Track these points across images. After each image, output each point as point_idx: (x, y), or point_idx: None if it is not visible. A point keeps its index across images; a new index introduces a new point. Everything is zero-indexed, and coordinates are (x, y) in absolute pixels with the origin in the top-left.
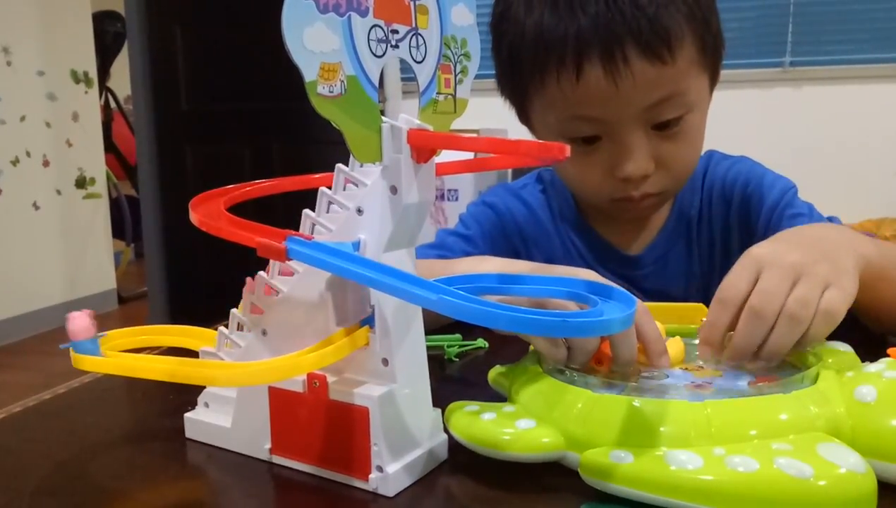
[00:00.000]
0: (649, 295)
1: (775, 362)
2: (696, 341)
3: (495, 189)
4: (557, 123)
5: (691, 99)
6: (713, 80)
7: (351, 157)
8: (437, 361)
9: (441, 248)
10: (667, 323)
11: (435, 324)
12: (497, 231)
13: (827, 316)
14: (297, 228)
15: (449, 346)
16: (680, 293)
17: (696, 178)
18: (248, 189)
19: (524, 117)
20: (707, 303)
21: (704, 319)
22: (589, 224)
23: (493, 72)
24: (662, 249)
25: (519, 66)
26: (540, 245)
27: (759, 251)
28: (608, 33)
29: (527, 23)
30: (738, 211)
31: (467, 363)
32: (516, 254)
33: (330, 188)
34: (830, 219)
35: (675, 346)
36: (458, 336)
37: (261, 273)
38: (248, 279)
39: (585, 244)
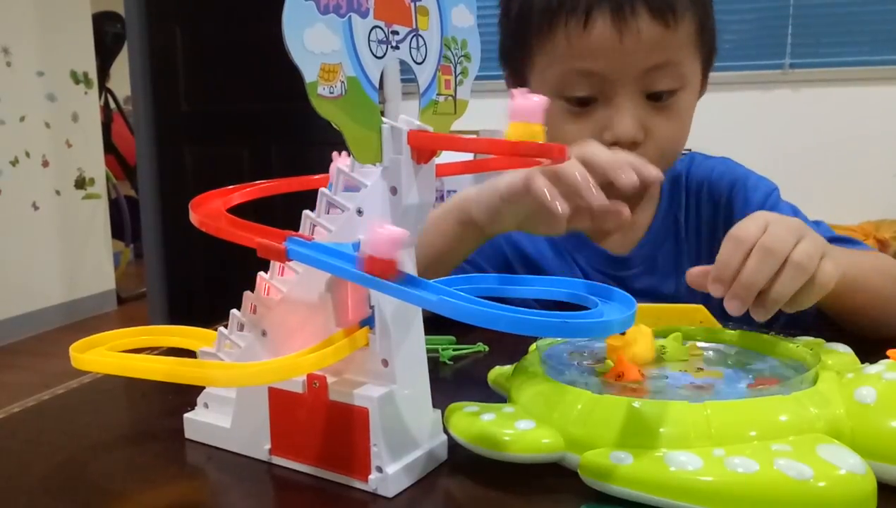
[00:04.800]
0: (640, 294)
1: (772, 311)
2: (698, 342)
3: None
4: (556, 79)
5: (686, 73)
6: (704, 74)
7: (351, 158)
8: (436, 362)
9: None
10: (666, 324)
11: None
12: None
13: (822, 283)
14: (296, 229)
15: (444, 349)
16: (670, 291)
17: (680, 178)
18: (247, 189)
19: (521, 81)
20: (700, 302)
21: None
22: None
23: (494, 73)
24: (651, 248)
25: (528, 17)
26: (529, 245)
27: (765, 213)
28: None
29: None
30: (724, 210)
31: (467, 364)
32: (505, 259)
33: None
34: (817, 224)
35: (644, 341)
36: (451, 338)
37: (261, 273)
38: (248, 293)
39: (574, 246)
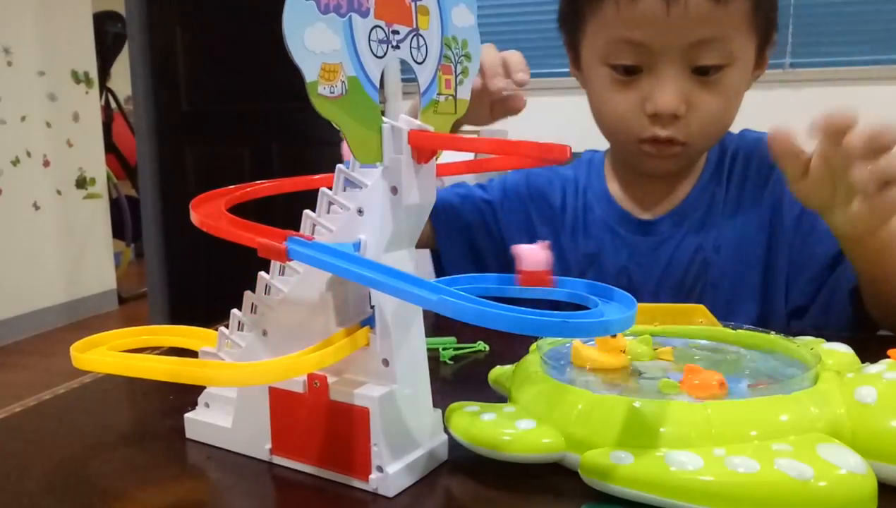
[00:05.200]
0: (662, 263)
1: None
2: (700, 341)
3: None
4: (604, 47)
5: (734, 50)
6: (760, 51)
7: (351, 158)
8: (437, 362)
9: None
10: (666, 323)
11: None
12: (514, 192)
13: None
14: (297, 229)
15: (444, 349)
16: (683, 260)
17: (726, 155)
18: (248, 189)
19: (574, 52)
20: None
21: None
22: (613, 197)
23: None
24: (679, 218)
25: None
26: (553, 207)
27: None
28: None
29: None
30: (768, 175)
31: (468, 363)
32: (527, 215)
33: (330, 188)
34: None
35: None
36: (452, 339)
37: (262, 273)
38: (248, 293)
39: (603, 210)
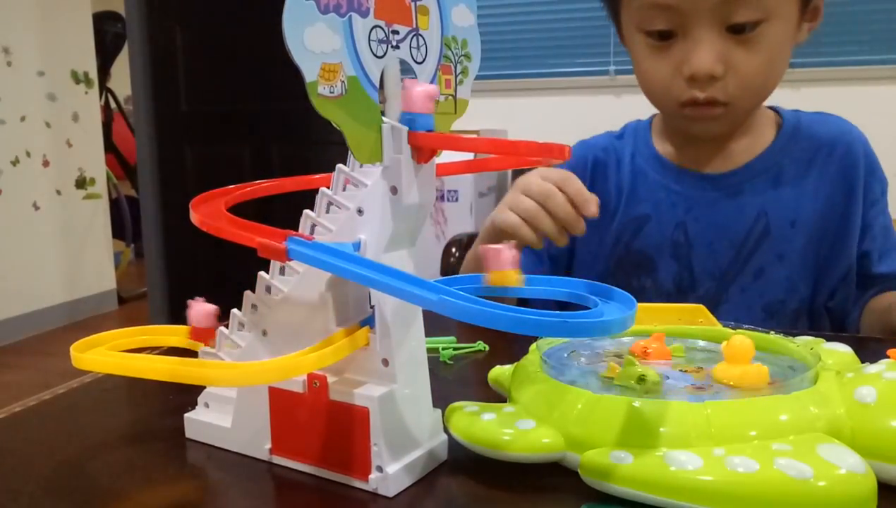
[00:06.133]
0: (720, 219)
1: None
2: (700, 342)
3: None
4: (637, 13)
5: (769, 4)
6: (803, 6)
7: (351, 157)
8: (436, 362)
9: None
10: (666, 323)
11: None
12: (581, 164)
13: None
14: (297, 229)
15: (444, 348)
16: (753, 226)
17: (799, 130)
18: (248, 189)
19: (617, 24)
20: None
21: None
22: (665, 157)
23: (494, 73)
24: (741, 177)
25: None
26: (614, 190)
27: None
28: None
29: None
30: (850, 180)
31: (467, 364)
32: (591, 185)
33: (329, 188)
34: None
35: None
36: (452, 338)
37: (262, 273)
38: (248, 293)
39: (656, 171)
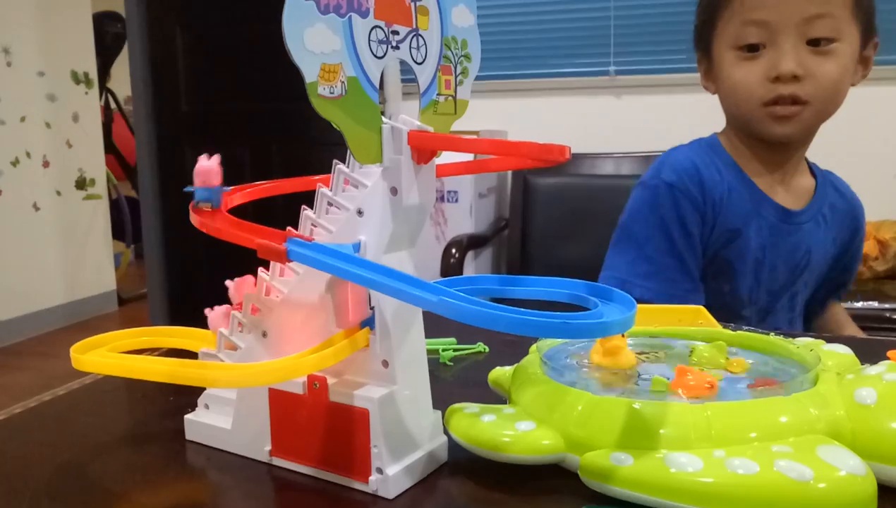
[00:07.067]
0: (790, 247)
1: None
2: (700, 343)
3: (655, 171)
4: (733, 32)
5: (842, 28)
6: (864, 44)
7: (350, 158)
8: (436, 363)
9: (659, 274)
10: (665, 324)
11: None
12: (679, 202)
13: None
14: (296, 229)
15: (444, 350)
16: (804, 254)
17: (827, 181)
18: (248, 190)
19: (708, 62)
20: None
21: None
22: (752, 180)
23: (494, 73)
24: (817, 209)
25: None
26: (717, 200)
27: None
28: None
29: None
30: (847, 242)
31: (467, 365)
32: (702, 216)
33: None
34: None
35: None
36: (452, 340)
37: (262, 274)
38: (229, 282)
39: (749, 192)
